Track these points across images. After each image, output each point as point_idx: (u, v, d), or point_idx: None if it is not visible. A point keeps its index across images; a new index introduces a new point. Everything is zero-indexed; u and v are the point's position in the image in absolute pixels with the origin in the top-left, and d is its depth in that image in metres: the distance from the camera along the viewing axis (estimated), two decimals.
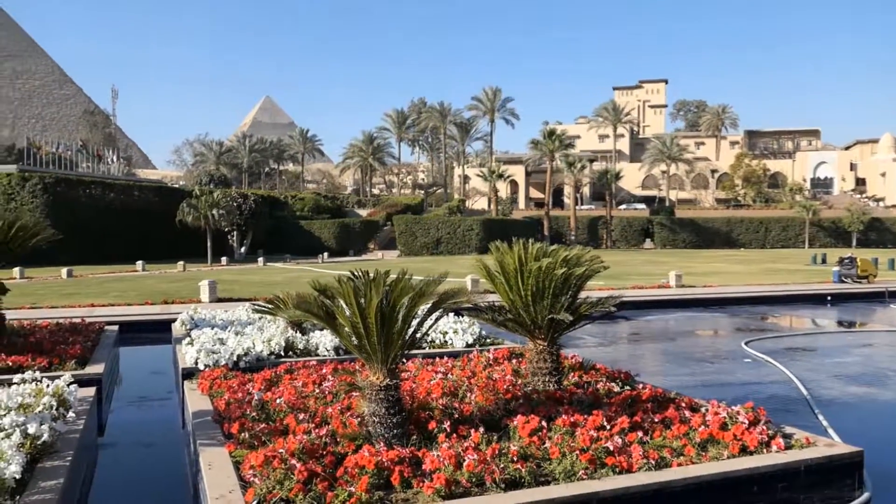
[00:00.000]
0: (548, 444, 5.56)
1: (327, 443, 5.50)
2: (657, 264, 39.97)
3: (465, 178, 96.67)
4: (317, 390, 7.25)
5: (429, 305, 5.96)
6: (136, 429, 8.82)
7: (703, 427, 6.00)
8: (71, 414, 6.46)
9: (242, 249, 50.49)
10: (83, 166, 64.93)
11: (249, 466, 5.08)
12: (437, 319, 6.13)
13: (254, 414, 6.41)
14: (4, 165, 55.69)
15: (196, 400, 7.55)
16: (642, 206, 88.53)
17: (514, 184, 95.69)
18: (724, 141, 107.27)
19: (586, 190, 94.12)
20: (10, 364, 8.69)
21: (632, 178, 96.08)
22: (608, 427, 5.91)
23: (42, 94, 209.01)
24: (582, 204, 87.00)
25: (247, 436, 5.80)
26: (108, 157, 72.87)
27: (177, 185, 69.21)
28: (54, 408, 6.36)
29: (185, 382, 8.60)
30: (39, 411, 6.08)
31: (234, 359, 9.14)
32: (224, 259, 43.83)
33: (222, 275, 30.49)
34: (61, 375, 7.42)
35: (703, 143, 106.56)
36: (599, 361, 9.03)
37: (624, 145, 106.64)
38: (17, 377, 7.34)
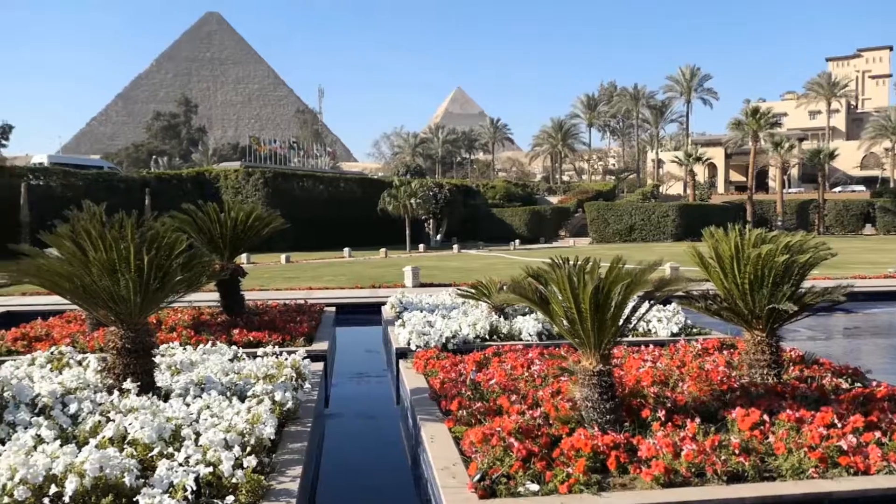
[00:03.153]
0: (771, 439, 5.32)
1: (541, 424, 5.66)
2: (881, 252, 36.02)
3: (659, 163, 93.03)
4: (526, 373, 7.45)
5: (642, 293, 5.92)
6: (356, 402, 9.58)
7: None
8: (307, 385, 7.16)
9: (438, 237, 52.41)
10: (295, 161, 70.72)
11: (469, 442, 5.37)
12: (651, 307, 6.07)
13: (468, 393, 6.73)
14: (231, 163, 62.12)
15: (412, 378, 8.06)
16: (861, 187, 79.99)
17: (712, 167, 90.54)
18: None
19: (794, 171, 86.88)
20: (252, 339, 9.79)
21: (848, 157, 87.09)
22: (839, 425, 5.53)
23: (260, 96, 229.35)
24: (789, 187, 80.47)
25: (464, 413, 6.11)
26: (316, 151, 78.73)
27: (376, 177, 73.24)
28: (294, 379, 7.10)
29: (400, 361, 9.18)
30: (282, 381, 6.81)
31: (443, 340, 9.60)
32: (421, 246, 45.78)
33: (421, 261, 31.88)
34: (295, 351, 8.26)
35: None
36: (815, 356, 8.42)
37: (839, 121, 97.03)
38: (259, 351, 8.27)
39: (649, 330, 10.70)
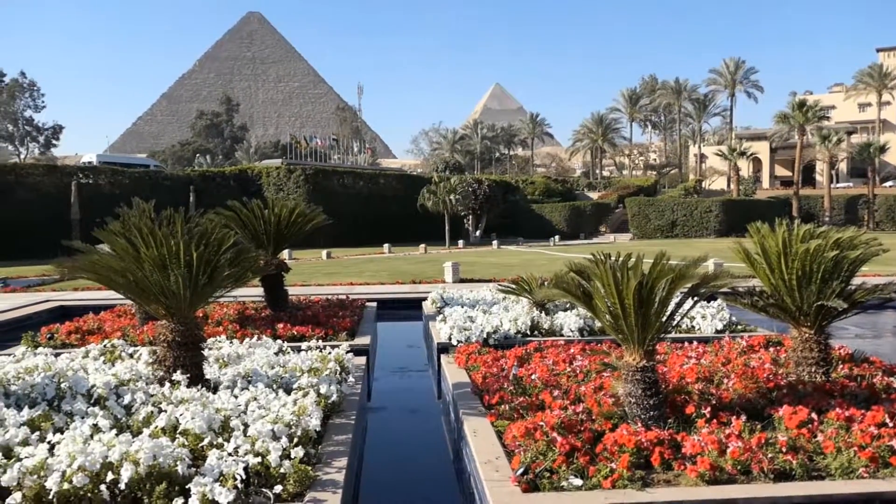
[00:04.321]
0: (819, 438, 5.24)
1: (583, 419, 5.66)
2: None
3: (702, 157, 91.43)
4: (568, 369, 7.45)
5: (686, 289, 5.87)
6: (398, 396, 9.67)
7: None
8: (350, 379, 7.26)
9: (477, 233, 52.36)
10: (334, 158, 71.36)
11: (512, 436, 5.40)
12: (695, 303, 6.02)
13: (510, 388, 6.75)
14: (272, 160, 62.97)
15: (454, 372, 8.11)
16: None
17: (756, 161, 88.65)
18: None
19: (842, 166, 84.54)
20: (296, 333, 9.95)
21: None
22: (890, 424, 5.41)
23: (300, 94, 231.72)
24: (837, 181, 78.39)
25: (506, 408, 6.14)
26: (356, 148, 79.31)
27: (415, 173, 73.49)
28: (337, 372, 7.21)
29: (442, 356, 9.24)
30: (327, 375, 6.92)
31: (484, 336, 9.64)
32: (460, 242, 45.83)
33: (461, 257, 31.92)
34: (338, 345, 8.37)
35: None
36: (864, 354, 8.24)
37: (890, 114, 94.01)
38: (303, 345, 8.40)
39: (693, 326, 10.58)
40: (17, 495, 4.29)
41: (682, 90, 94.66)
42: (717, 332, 10.32)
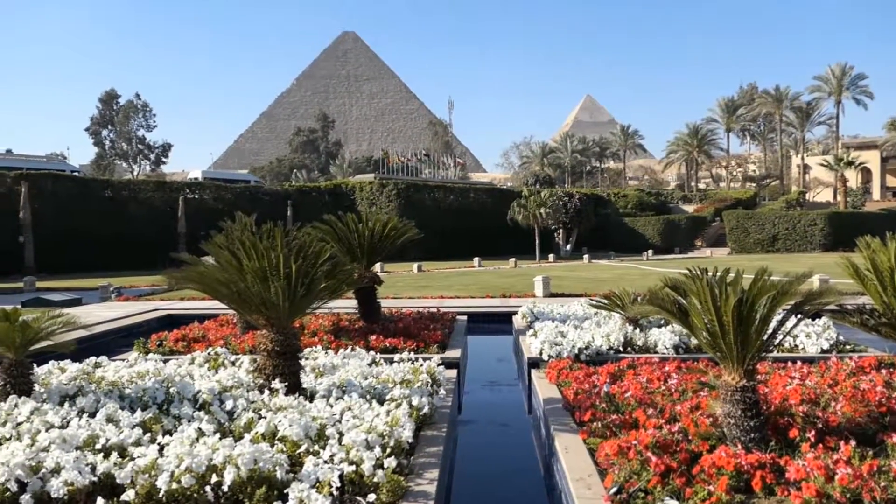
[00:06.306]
0: None
1: (679, 440, 5.50)
2: None
3: (805, 168, 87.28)
4: (662, 387, 7.26)
5: (789, 306, 5.64)
6: (488, 410, 9.68)
7: None
8: (441, 391, 7.33)
9: (568, 247, 51.82)
10: (425, 172, 72.37)
11: (605, 454, 5.31)
12: (799, 321, 5.77)
13: (603, 405, 6.64)
14: (365, 175, 64.47)
15: (545, 388, 8.05)
16: None
17: (865, 172, 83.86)
18: None
19: None
20: (388, 345, 10.13)
21: None
22: None
23: (392, 110, 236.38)
24: None
25: (598, 425, 6.05)
26: (446, 162, 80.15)
27: (505, 187, 73.50)
28: (429, 385, 7.29)
29: (532, 371, 9.19)
30: (419, 386, 7.02)
31: (576, 351, 9.52)
32: (550, 256, 45.44)
33: (551, 271, 31.66)
34: (430, 357, 8.48)
35: None
36: None
37: None
38: (396, 356, 8.54)
39: (796, 345, 10.11)
40: (131, 493, 4.56)
41: (783, 98, 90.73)
42: (823, 351, 9.82)
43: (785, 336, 5.91)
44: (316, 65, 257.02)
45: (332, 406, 6.22)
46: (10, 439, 5.44)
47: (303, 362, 7.85)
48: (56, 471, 4.75)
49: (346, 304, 12.84)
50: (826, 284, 17.01)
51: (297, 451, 5.17)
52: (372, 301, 12.15)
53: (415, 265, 33.70)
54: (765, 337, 5.50)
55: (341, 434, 5.43)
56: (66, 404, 6.40)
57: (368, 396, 6.77)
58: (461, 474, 6.77)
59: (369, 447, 5.13)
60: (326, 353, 8.91)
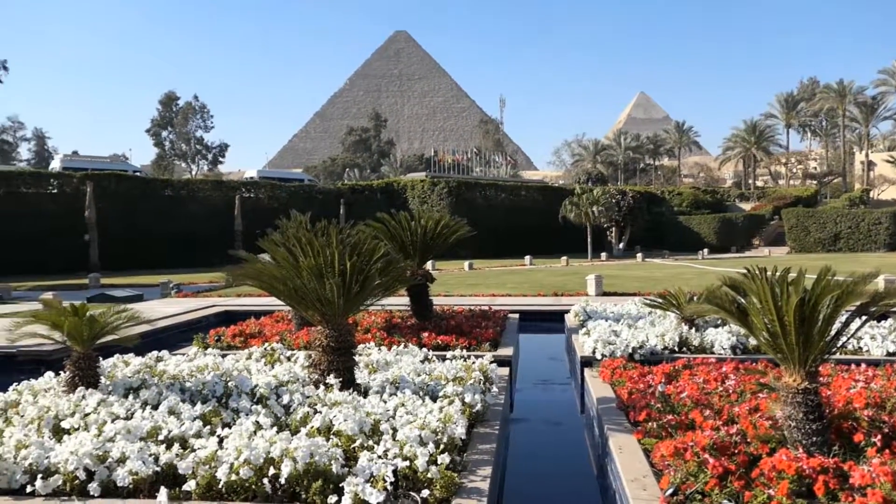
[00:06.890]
0: None
1: (737, 442, 5.39)
2: None
3: (870, 165, 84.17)
4: (720, 388, 7.12)
5: (853, 307, 5.46)
6: (540, 408, 9.64)
7: None
8: (494, 389, 7.34)
9: (621, 245, 51.15)
10: (477, 170, 72.33)
11: (660, 455, 5.23)
12: (864, 322, 5.58)
13: (658, 405, 6.55)
14: (417, 173, 64.80)
15: (598, 387, 7.98)
16: None
17: None
18: None
19: None
20: (440, 342, 10.18)
21: None
22: None
23: (443, 108, 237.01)
24: None
25: (654, 426, 5.97)
26: (497, 161, 79.97)
27: (557, 185, 72.91)
28: (481, 382, 7.30)
29: (585, 370, 9.11)
30: (471, 384, 7.03)
31: (629, 351, 9.41)
32: (603, 254, 44.96)
33: (603, 269, 31.32)
34: (482, 355, 8.47)
35: None
36: None
37: None
38: (448, 354, 8.58)
39: (860, 348, 9.79)
40: (192, 483, 4.69)
41: (846, 93, 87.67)
42: (890, 354, 9.49)
43: (849, 338, 5.73)
44: (368, 64, 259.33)
45: (385, 402, 6.29)
46: (78, 429, 5.66)
47: (357, 358, 7.95)
48: (121, 460, 4.92)
49: (398, 302, 12.94)
50: (893, 285, 16.44)
51: (352, 446, 5.24)
52: (424, 298, 12.21)
53: (466, 263, 33.72)
54: (828, 338, 5.34)
55: (395, 430, 5.49)
56: (131, 396, 6.62)
57: (421, 393, 6.82)
58: (513, 472, 6.76)
59: (423, 443, 5.17)
60: (379, 349, 9.00)
